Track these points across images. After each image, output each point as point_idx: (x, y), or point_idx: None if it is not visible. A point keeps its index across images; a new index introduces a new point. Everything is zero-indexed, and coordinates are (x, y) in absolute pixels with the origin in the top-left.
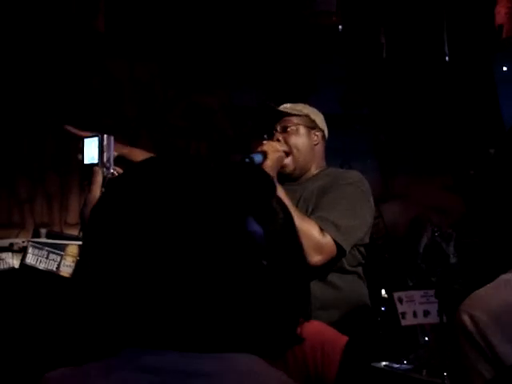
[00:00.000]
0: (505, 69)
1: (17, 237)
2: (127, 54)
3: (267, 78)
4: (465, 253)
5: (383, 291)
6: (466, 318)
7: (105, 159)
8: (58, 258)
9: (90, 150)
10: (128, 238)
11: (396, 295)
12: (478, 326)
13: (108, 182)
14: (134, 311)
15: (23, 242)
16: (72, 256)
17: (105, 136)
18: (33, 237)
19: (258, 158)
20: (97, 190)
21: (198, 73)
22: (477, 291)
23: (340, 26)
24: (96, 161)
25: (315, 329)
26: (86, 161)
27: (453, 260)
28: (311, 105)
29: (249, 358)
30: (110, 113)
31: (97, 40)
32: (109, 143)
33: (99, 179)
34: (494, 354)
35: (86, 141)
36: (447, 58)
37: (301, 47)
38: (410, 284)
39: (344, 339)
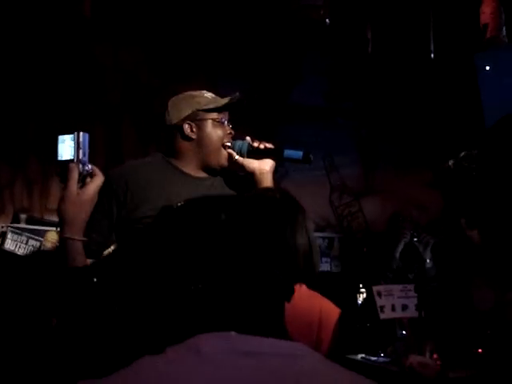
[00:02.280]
0: (487, 68)
1: None
2: (113, 40)
3: (253, 68)
4: (440, 250)
5: (361, 285)
6: None
7: (80, 156)
8: (38, 244)
9: (66, 147)
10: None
11: (375, 289)
12: None
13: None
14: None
15: (2, 227)
16: (51, 242)
17: (80, 133)
18: (12, 222)
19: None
20: (73, 186)
21: (183, 61)
22: None
23: (327, 20)
24: (72, 157)
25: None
26: (61, 157)
27: (428, 265)
28: (295, 97)
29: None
30: (94, 99)
31: (82, 25)
32: (84, 140)
33: (75, 175)
34: None
35: (61, 138)
36: (432, 56)
37: (287, 39)
38: (390, 276)
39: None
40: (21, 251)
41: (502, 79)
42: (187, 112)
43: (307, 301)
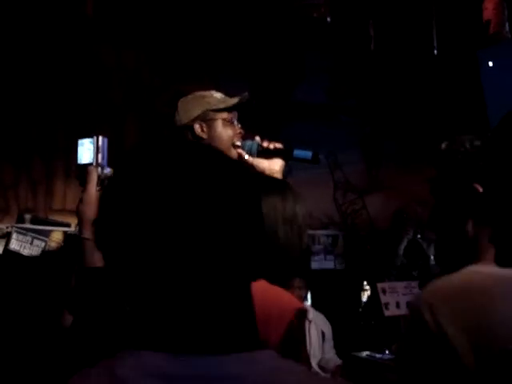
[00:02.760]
0: (490, 64)
1: (1, 222)
2: (115, 41)
3: (255, 67)
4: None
5: (365, 282)
6: (424, 307)
7: (99, 159)
8: (43, 244)
9: (85, 151)
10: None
11: (379, 286)
12: (435, 316)
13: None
14: (142, 309)
15: (7, 227)
16: (56, 242)
17: (100, 137)
18: (17, 222)
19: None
20: (92, 189)
21: (185, 61)
22: (439, 280)
23: (328, 18)
24: (91, 161)
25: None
26: (81, 161)
27: (433, 262)
28: (298, 95)
29: (269, 355)
30: (97, 99)
31: (85, 25)
32: (103, 144)
33: (94, 178)
34: (447, 344)
35: (81, 141)
36: (435, 52)
37: (289, 38)
38: (394, 273)
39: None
40: (26, 251)
41: (504, 75)
42: (197, 112)
43: (261, 294)
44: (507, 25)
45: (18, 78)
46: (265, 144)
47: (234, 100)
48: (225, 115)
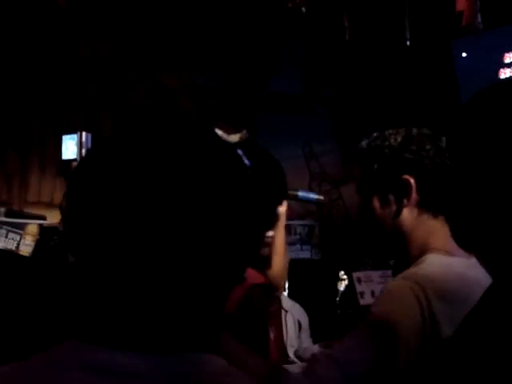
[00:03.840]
0: (464, 55)
1: None
2: (89, 31)
3: (230, 58)
4: None
5: (342, 272)
6: (412, 284)
7: (83, 155)
8: (18, 237)
9: (69, 147)
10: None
11: (355, 275)
12: (425, 291)
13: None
14: (91, 301)
15: None
16: (32, 235)
17: (83, 133)
18: None
19: (312, 196)
20: None
21: (160, 52)
22: (414, 268)
23: (303, 8)
24: (75, 156)
25: None
26: (65, 156)
27: None
28: (274, 86)
29: (209, 358)
30: (72, 91)
31: (58, 17)
32: (87, 139)
33: None
34: (433, 319)
35: (64, 137)
36: (408, 43)
37: (264, 29)
38: (370, 262)
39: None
40: (0, 244)
41: (478, 65)
42: None
43: None
44: (479, 16)
45: None
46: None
47: (235, 138)
48: None
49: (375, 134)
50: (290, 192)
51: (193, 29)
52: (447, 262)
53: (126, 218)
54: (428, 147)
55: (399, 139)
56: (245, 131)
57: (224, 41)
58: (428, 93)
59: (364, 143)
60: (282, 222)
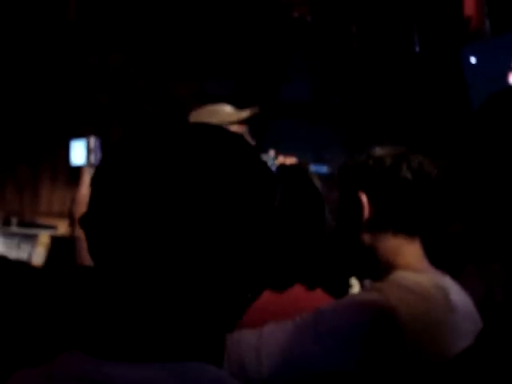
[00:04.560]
0: (473, 60)
1: None
2: (99, 43)
3: (239, 67)
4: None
5: (352, 279)
6: (382, 298)
7: (92, 160)
8: (29, 247)
9: (77, 152)
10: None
11: (366, 282)
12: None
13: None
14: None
15: None
16: (44, 245)
17: (92, 138)
18: (4, 226)
19: (269, 162)
20: (84, 190)
21: (170, 61)
22: (380, 283)
23: (308, 18)
24: (83, 162)
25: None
26: (73, 161)
27: None
28: (283, 94)
29: (199, 366)
30: (83, 101)
31: (69, 29)
32: (95, 144)
33: (87, 179)
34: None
35: (73, 143)
36: (417, 49)
37: (271, 38)
38: None
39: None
40: (13, 255)
41: (487, 71)
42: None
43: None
44: (488, 21)
45: (3, 82)
46: (281, 159)
47: (246, 113)
48: (235, 128)
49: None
50: (300, 165)
51: (202, 38)
52: (414, 280)
53: (134, 228)
54: (386, 162)
55: (361, 158)
56: (256, 107)
57: (233, 50)
58: (437, 99)
59: (349, 162)
60: None
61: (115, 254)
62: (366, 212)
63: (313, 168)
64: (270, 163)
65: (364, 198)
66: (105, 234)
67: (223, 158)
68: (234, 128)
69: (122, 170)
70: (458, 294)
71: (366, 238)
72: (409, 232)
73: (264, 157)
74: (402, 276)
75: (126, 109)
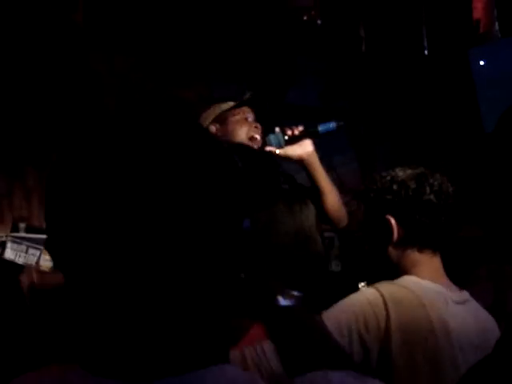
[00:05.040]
0: (482, 63)
1: None
2: (106, 46)
3: (247, 70)
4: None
5: (362, 284)
6: (378, 296)
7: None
8: (38, 253)
9: None
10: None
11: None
12: (385, 301)
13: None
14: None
15: (2, 236)
16: None
17: None
18: (12, 231)
19: (280, 139)
20: None
21: (177, 65)
22: (386, 282)
23: (319, 21)
24: None
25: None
26: None
27: None
28: (291, 97)
29: (215, 370)
30: (90, 106)
31: (76, 32)
32: None
33: None
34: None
35: None
36: (426, 52)
37: (280, 41)
38: None
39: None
40: (21, 260)
41: (496, 73)
42: (212, 116)
43: None
44: (497, 24)
45: (10, 86)
46: (289, 132)
47: (246, 96)
48: (236, 112)
49: (372, 176)
50: (311, 130)
51: (209, 42)
52: (419, 283)
53: (116, 225)
54: (413, 187)
55: (384, 181)
56: (249, 93)
57: (240, 53)
58: (446, 102)
59: (363, 184)
60: (314, 163)
61: (104, 262)
62: (396, 234)
63: (320, 128)
64: (280, 139)
65: (393, 222)
66: (89, 242)
67: (194, 152)
68: (235, 112)
69: (98, 167)
70: (467, 311)
71: (393, 254)
72: (434, 248)
73: (272, 136)
74: (405, 278)
75: (132, 113)
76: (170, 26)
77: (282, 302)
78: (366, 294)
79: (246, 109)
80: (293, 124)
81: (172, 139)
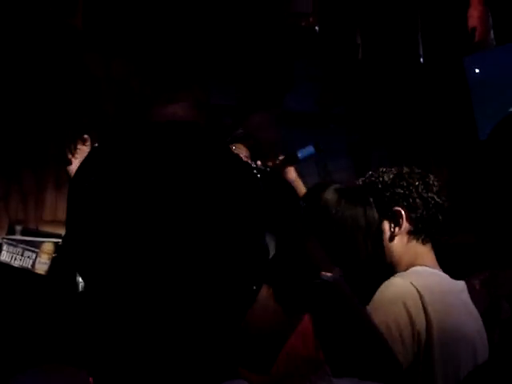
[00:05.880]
0: (477, 71)
1: None
2: (105, 51)
3: (244, 76)
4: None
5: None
6: (412, 288)
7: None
8: (33, 256)
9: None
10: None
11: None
12: (422, 298)
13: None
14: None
15: None
16: (47, 253)
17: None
18: (7, 234)
19: (310, 150)
20: None
21: (175, 71)
22: (406, 273)
23: (316, 28)
24: None
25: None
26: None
27: None
28: (288, 103)
29: None
30: (88, 110)
31: (74, 37)
32: None
33: None
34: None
35: None
36: (422, 60)
37: (277, 47)
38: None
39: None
40: (17, 263)
41: (491, 81)
42: None
43: None
44: (492, 32)
45: (7, 89)
46: (270, 163)
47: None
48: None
49: (370, 172)
50: (290, 157)
51: (207, 47)
52: (432, 271)
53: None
54: (417, 183)
55: (391, 176)
56: (241, 129)
57: (238, 59)
58: (441, 109)
59: (360, 181)
60: (299, 189)
61: (118, 269)
62: (404, 225)
63: (300, 154)
64: None
65: (403, 212)
66: (106, 246)
67: (204, 155)
68: (237, 149)
69: (110, 181)
70: (465, 295)
71: (399, 246)
72: (433, 242)
73: None
74: (419, 269)
75: (131, 117)
76: (168, 31)
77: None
78: (400, 286)
79: (239, 145)
80: (289, 130)
81: (193, 154)
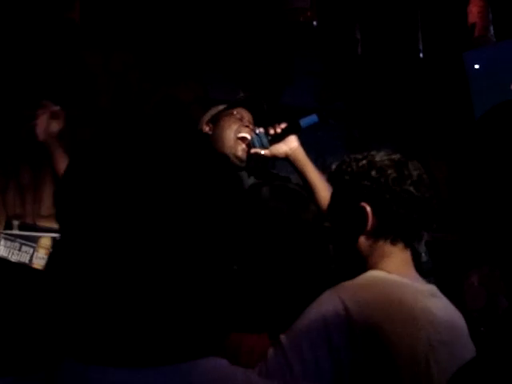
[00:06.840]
0: (477, 66)
1: None
2: (102, 45)
3: (243, 71)
4: (436, 248)
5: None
6: (338, 303)
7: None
8: (31, 250)
9: None
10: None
11: None
12: (349, 314)
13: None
14: (81, 318)
15: None
16: (45, 248)
17: None
18: (5, 229)
19: (263, 139)
20: None
21: (173, 65)
22: (349, 282)
23: (314, 22)
24: None
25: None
26: None
27: (424, 259)
28: (286, 98)
29: (210, 363)
30: (85, 104)
31: (72, 31)
32: None
33: None
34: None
35: None
36: (421, 55)
37: (275, 42)
38: None
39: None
40: (14, 258)
41: (491, 77)
42: (209, 117)
43: None
44: (492, 28)
45: (4, 83)
46: (272, 131)
47: (240, 96)
48: (231, 112)
49: (345, 158)
50: (293, 125)
51: (206, 42)
52: (387, 278)
53: (118, 223)
54: (390, 174)
55: (361, 164)
56: (243, 93)
57: (237, 53)
58: (441, 104)
59: (333, 166)
60: (301, 158)
61: (107, 256)
62: (370, 222)
63: (302, 122)
64: (263, 140)
65: (368, 209)
66: (92, 237)
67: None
68: (227, 112)
69: (98, 179)
70: (436, 308)
71: (365, 244)
72: (406, 241)
73: (255, 138)
74: (374, 273)
75: (128, 112)
76: (166, 26)
77: None
78: (324, 304)
79: (241, 110)
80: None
81: (168, 147)
